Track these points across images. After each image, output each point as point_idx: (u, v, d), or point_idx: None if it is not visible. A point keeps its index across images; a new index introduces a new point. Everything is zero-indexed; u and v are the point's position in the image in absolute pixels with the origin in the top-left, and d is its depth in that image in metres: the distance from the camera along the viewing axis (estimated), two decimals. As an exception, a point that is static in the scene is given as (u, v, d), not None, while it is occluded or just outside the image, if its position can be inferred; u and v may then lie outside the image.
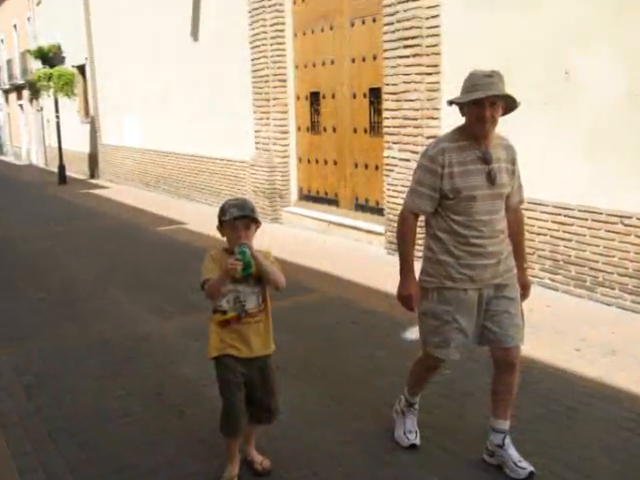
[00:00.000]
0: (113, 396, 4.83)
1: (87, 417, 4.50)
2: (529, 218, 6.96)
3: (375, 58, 9.77)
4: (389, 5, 8.88)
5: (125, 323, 6.62)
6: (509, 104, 3.46)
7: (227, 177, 13.81)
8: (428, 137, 8.35)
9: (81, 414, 4.54)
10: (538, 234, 7.19)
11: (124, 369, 5.38)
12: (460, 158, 3.44)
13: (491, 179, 3.45)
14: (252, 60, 12.25)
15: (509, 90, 3.42)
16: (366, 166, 10.30)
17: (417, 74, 8.52)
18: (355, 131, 10.47)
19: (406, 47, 8.62)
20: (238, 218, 3.35)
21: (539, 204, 7.11)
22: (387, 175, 9.27)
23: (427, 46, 8.38)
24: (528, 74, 7.12)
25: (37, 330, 6.51)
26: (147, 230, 12.01)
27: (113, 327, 6.50)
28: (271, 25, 11.72)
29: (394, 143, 9.07)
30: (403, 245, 3.62)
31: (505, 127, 3.78)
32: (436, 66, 8.34)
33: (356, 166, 10.53)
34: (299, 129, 11.88)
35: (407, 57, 8.64)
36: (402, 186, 8.62)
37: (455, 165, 3.43)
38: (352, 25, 10.28)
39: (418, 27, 8.42)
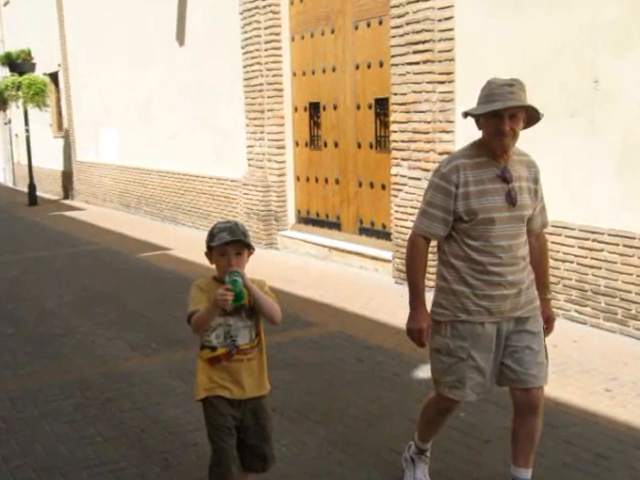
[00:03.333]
0: (89, 442, 4.84)
1: (60, 467, 4.50)
2: (553, 243, 7.00)
3: (381, 65, 9.86)
4: (397, 6, 8.98)
5: (103, 361, 6.64)
6: (531, 116, 3.50)
7: (216, 197, 13.86)
8: (441, 153, 8.42)
9: (53, 463, 4.55)
10: (563, 261, 7.22)
11: (102, 412, 5.38)
12: (476, 176, 3.47)
13: (511, 200, 3.48)
14: (244, 67, 12.34)
15: (530, 101, 3.46)
16: (372, 185, 10.36)
17: (428, 82, 8.60)
18: (359, 146, 10.54)
19: (416, 52, 8.71)
20: (229, 243, 3.38)
21: (564, 227, 7.14)
22: (395, 195, 9.31)
23: (440, 51, 8.47)
24: (553, 83, 7.19)
25: (5, 369, 6.52)
26: (128, 257, 12.03)
27: (90, 365, 6.51)
28: (266, 28, 11.82)
29: (403, 160, 9.13)
30: (413, 273, 3.65)
31: (526, 141, 3.82)
32: (450, 74, 8.42)
33: (360, 185, 10.59)
34: (297, 144, 11.95)
35: (417, 64, 8.72)
36: (412, 207, 8.66)
37: (471, 184, 3.46)
38: (356, 28, 10.38)
39: (430, 30, 8.51)
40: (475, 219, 3.47)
